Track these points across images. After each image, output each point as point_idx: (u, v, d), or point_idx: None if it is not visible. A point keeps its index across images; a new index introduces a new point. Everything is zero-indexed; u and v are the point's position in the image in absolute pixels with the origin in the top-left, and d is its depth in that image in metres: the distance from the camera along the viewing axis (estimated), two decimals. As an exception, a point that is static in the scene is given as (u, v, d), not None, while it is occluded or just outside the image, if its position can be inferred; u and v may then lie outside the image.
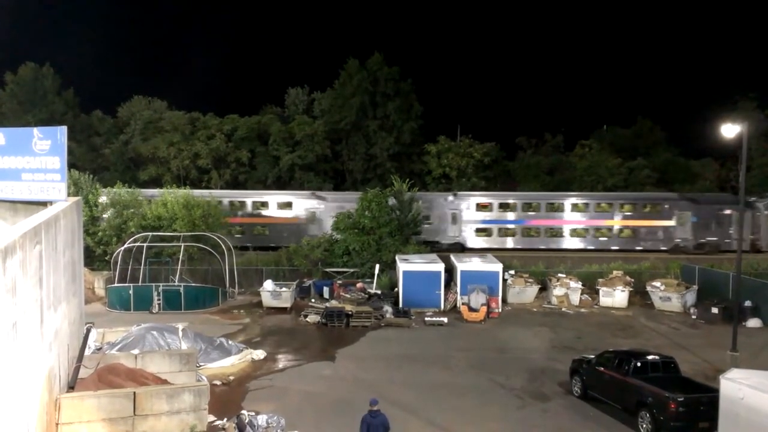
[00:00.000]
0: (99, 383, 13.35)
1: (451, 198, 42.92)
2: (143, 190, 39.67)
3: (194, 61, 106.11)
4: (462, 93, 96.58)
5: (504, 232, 42.69)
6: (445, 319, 26.77)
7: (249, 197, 43.89)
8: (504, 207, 42.93)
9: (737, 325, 20.73)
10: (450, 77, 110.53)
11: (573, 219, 42.77)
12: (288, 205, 42.82)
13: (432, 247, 38.96)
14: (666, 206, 42.55)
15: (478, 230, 42.47)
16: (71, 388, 12.88)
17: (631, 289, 30.61)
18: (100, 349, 18.26)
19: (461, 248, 41.03)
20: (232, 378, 18.91)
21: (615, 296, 30.25)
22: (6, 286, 7.72)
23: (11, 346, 8.03)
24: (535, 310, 29.89)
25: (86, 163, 52.51)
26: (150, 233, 32.48)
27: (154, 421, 12.63)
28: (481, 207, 42.78)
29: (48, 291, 10.67)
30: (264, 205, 42.95)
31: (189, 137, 53.52)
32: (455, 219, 42.20)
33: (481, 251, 38.43)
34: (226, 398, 17.03)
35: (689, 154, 57.49)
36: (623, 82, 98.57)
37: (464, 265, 30.43)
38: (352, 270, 34.13)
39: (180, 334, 19.65)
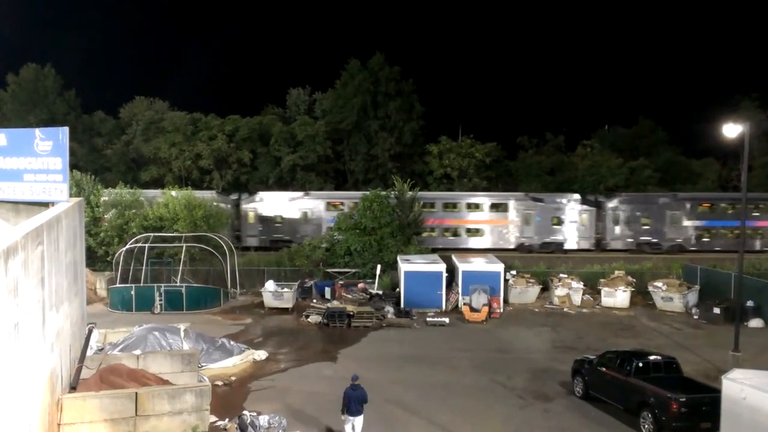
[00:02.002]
0: (101, 384, 13.36)
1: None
2: (144, 191, 39.78)
3: (196, 62, 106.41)
4: (463, 93, 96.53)
5: None
6: (447, 320, 26.76)
7: (462, 199, 44.22)
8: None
9: (739, 325, 20.67)
10: (451, 77, 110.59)
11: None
12: (502, 207, 43.12)
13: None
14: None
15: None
16: (73, 388, 12.89)
17: (632, 289, 30.57)
18: (102, 349, 18.27)
19: None
20: (233, 378, 18.92)
21: (617, 296, 30.21)
22: (8, 286, 7.73)
23: (13, 346, 8.04)
24: (536, 310, 29.86)
25: (88, 163, 52.61)
26: (152, 234, 32.51)
27: (155, 421, 12.62)
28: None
29: (50, 292, 10.68)
30: (477, 207, 43.42)
31: (191, 138, 53.57)
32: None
33: None
34: (228, 399, 17.04)
35: (691, 154, 57.54)
36: (625, 82, 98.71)
37: (466, 265, 30.43)
38: (353, 270, 34.14)
39: (182, 334, 19.66)
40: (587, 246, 42.52)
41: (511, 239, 42.77)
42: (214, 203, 38.12)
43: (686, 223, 42.60)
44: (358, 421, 13.55)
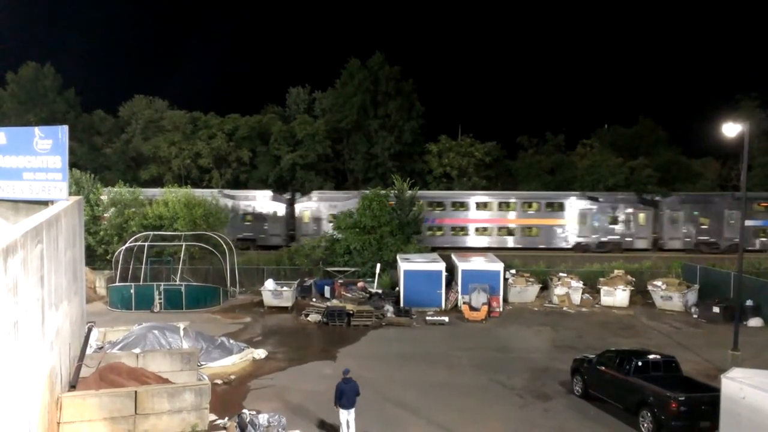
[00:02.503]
0: (100, 382, 13.36)
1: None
2: (144, 190, 39.78)
3: (195, 61, 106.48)
4: (463, 92, 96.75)
5: None
6: (447, 319, 26.76)
7: (517, 198, 44.29)
8: None
9: (739, 324, 20.69)
10: (451, 77, 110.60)
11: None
12: (557, 206, 43.09)
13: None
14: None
15: None
16: (73, 387, 12.89)
17: (632, 288, 30.57)
18: (102, 348, 18.26)
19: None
20: (233, 377, 18.92)
21: (616, 295, 30.22)
22: (7, 285, 7.73)
23: (13, 345, 8.04)
24: (536, 309, 29.87)
25: (87, 162, 52.55)
26: (151, 232, 32.48)
27: (155, 420, 12.63)
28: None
29: (49, 290, 10.68)
30: (530, 206, 43.53)
31: (190, 137, 53.58)
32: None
33: None
34: (228, 397, 17.04)
35: (690, 154, 57.54)
36: (624, 81, 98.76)
37: (465, 264, 30.43)
38: (353, 269, 34.12)
39: (181, 333, 19.64)
40: (644, 246, 42.36)
41: (569, 239, 42.61)
42: (271, 202, 40.83)
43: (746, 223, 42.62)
44: (352, 413, 14.08)
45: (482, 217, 43.26)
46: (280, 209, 43.51)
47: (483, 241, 43.00)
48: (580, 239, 42.56)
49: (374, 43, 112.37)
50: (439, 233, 43.31)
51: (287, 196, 47.02)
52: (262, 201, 43.63)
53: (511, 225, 43.57)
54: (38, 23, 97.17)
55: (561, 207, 43.13)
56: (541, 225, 43.28)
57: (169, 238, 32.85)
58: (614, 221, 42.67)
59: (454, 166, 51.50)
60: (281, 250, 36.99)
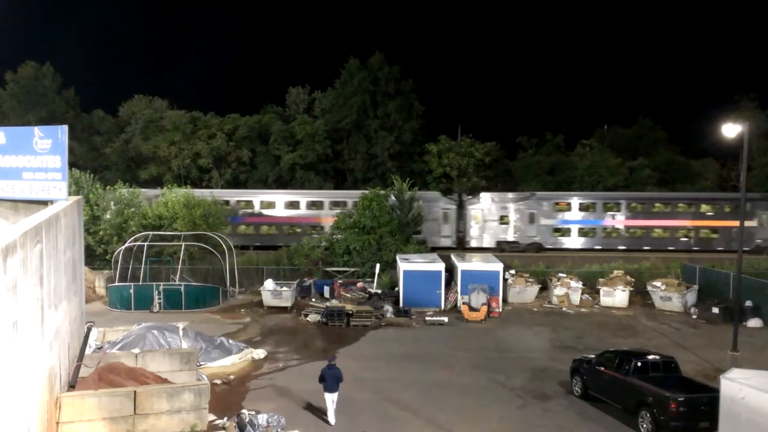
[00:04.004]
0: (99, 382, 13.36)
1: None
2: (144, 190, 39.77)
3: (195, 61, 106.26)
4: (463, 92, 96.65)
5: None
6: (446, 319, 26.76)
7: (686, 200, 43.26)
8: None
9: (738, 324, 20.70)
10: (451, 77, 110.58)
11: None
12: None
13: None
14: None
15: None
16: (72, 386, 12.89)
17: (631, 288, 30.58)
18: (101, 348, 18.26)
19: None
20: (232, 377, 18.91)
21: (615, 296, 30.23)
22: (7, 285, 7.73)
23: (12, 345, 8.04)
24: (535, 309, 29.87)
25: (87, 162, 52.50)
26: (151, 232, 32.48)
27: (154, 420, 12.63)
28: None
29: (49, 290, 10.68)
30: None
31: (190, 136, 53.51)
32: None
33: None
34: (227, 397, 17.04)
35: (690, 154, 57.39)
36: (624, 81, 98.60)
37: (465, 264, 30.43)
38: (352, 269, 34.13)
39: (180, 333, 19.65)
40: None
41: (757, 241, 41.08)
42: (441, 203, 41.04)
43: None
44: (335, 396, 15.34)
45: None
46: (451, 211, 42.66)
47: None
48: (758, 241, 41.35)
49: (374, 43, 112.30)
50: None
51: (454, 196, 45.63)
52: (433, 202, 42.51)
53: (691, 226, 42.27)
54: (38, 23, 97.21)
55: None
56: (718, 228, 42.00)
57: (168, 238, 32.86)
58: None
59: (454, 167, 51.47)
60: (280, 251, 36.96)
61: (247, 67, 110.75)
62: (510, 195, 43.61)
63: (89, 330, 16.85)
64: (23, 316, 8.66)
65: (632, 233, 42.24)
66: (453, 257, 32.64)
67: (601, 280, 31.63)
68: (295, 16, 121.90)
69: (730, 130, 20.40)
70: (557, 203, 42.63)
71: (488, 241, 41.79)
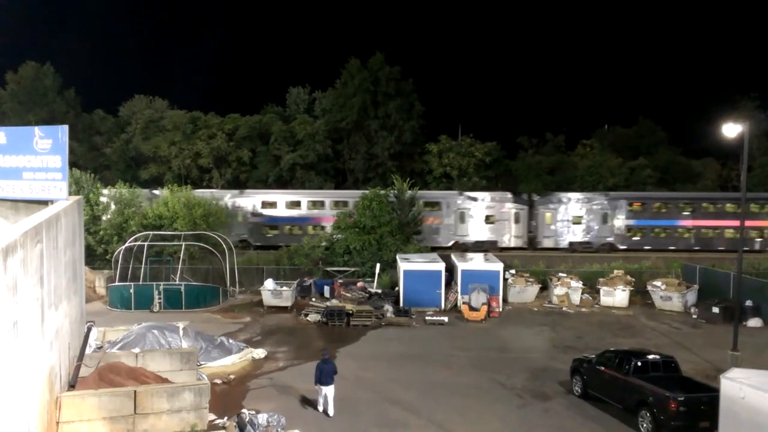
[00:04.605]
0: (100, 382, 13.36)
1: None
2: (144, 190, 39.78)
3: (195, 61, 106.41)
4: (463, 92, 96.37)
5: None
6: (446, 319, 26.77)
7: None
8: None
9: (738, 324, 20.71)
10: (451, 77, 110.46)
11: None
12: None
13: None
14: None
15: None
16: (72, 386, 12.90)
17: (631, 288, 30.59)
18: (101, 347, 18.25)
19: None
20: (232, 377, 18.93)
21: (616, 296, 30.23)
22: (7, 284, 7.73)
23: (12, 344, 8.04)
24: (535, 309, 29.88)
25: (87, 162, 52.55)
26: (151, 232, 32.50)
27: (154, 419, 12.63)
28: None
29: (49, 290, 10.69)
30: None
31: (190, 136, 53.50)
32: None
33: None
34: (227, 397, 17.05)
35: (690, 154, 57.38)
36: (624, 81, 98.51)
37: (465, 264, 30.44)
38: (352, 269, 34.14)
39: (181, 332, 19.66)
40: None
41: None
42: (512, 204, 40.85)
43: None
44: (330, 389, 15.70)
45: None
46: (523, 211, 42.40)
47: None
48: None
49: (374, 43, 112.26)
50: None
51: (524, 196, 45.11)
52: (503, 203, 42.37)
53: None
54: (38, 23, 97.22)
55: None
56: None
57: (168, 237, 32.87)
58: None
59: (454, 167, 51.45)
60: (281, 250, 36.98)
61: (247, 67, 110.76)
62: (581, 195, 43.27)
63: (89, 330, 16.84)
64: (23, 315, 8.67)
65: (705, 234, 41.94)
66: (453, 257, 32.64)
67: (601, 279, 31.65)
68: (295, 15, 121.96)
69: (731, 129, 20.40)
70: (631, 203, 42.25)
71: (560, 242, 41.62)
